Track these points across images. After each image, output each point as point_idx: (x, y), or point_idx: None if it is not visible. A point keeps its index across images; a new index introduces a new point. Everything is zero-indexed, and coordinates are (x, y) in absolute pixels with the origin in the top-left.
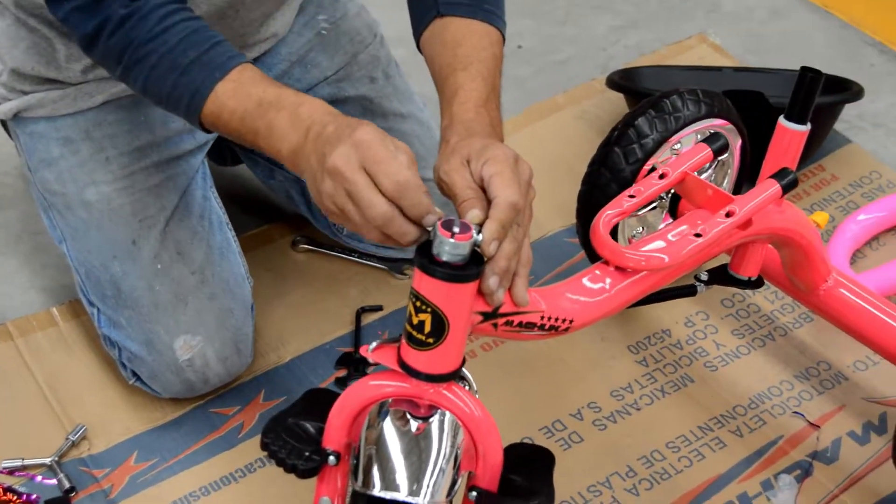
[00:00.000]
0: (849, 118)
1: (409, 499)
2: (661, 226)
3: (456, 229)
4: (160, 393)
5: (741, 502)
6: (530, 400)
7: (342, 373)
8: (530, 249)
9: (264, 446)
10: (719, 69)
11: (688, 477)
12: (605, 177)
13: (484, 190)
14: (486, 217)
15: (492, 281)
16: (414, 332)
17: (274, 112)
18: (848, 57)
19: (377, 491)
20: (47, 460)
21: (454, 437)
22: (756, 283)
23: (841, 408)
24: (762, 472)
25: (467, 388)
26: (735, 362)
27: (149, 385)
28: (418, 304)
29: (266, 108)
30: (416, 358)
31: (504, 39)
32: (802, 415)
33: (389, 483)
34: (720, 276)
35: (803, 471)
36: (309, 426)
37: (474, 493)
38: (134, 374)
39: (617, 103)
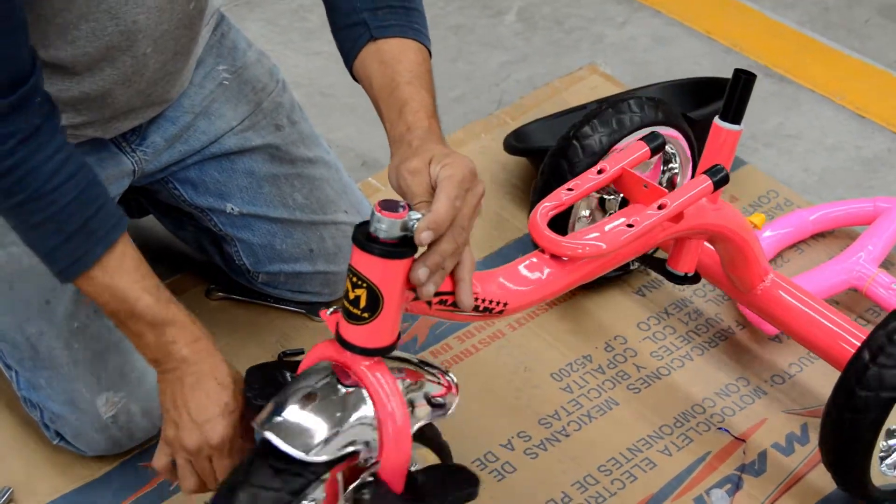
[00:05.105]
0: (742, 139)
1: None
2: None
3: (390, 210)
4: (86, 451)
5: None
6: (458, 432)
7: None
8: (472, 255)
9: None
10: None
11: (622, 499)
12: (563, 167)
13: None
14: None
15: (420, 272)
16: (350, 307)
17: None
18: None
19: (264, 427)
20: None
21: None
22: (692, 279)
23: (763, 421)
24: (694, 489)
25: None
26: (656, 383)
27: (73, 444)
28: (354, 279)
29: (134, 321)
30: (352, 332)
31: (431, 57)
32: (727, 430)
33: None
34: (658, 268)
35: (734, 485)
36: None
37: (371, 478)
38: (57, 434)
39: None
